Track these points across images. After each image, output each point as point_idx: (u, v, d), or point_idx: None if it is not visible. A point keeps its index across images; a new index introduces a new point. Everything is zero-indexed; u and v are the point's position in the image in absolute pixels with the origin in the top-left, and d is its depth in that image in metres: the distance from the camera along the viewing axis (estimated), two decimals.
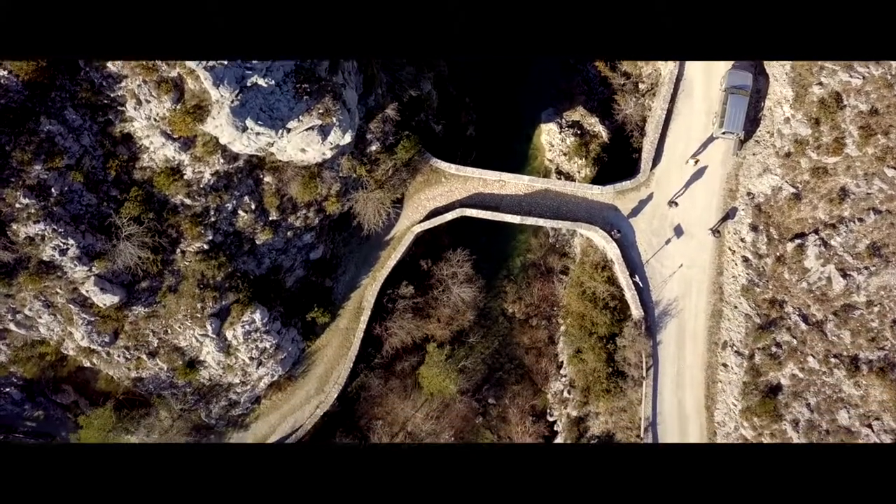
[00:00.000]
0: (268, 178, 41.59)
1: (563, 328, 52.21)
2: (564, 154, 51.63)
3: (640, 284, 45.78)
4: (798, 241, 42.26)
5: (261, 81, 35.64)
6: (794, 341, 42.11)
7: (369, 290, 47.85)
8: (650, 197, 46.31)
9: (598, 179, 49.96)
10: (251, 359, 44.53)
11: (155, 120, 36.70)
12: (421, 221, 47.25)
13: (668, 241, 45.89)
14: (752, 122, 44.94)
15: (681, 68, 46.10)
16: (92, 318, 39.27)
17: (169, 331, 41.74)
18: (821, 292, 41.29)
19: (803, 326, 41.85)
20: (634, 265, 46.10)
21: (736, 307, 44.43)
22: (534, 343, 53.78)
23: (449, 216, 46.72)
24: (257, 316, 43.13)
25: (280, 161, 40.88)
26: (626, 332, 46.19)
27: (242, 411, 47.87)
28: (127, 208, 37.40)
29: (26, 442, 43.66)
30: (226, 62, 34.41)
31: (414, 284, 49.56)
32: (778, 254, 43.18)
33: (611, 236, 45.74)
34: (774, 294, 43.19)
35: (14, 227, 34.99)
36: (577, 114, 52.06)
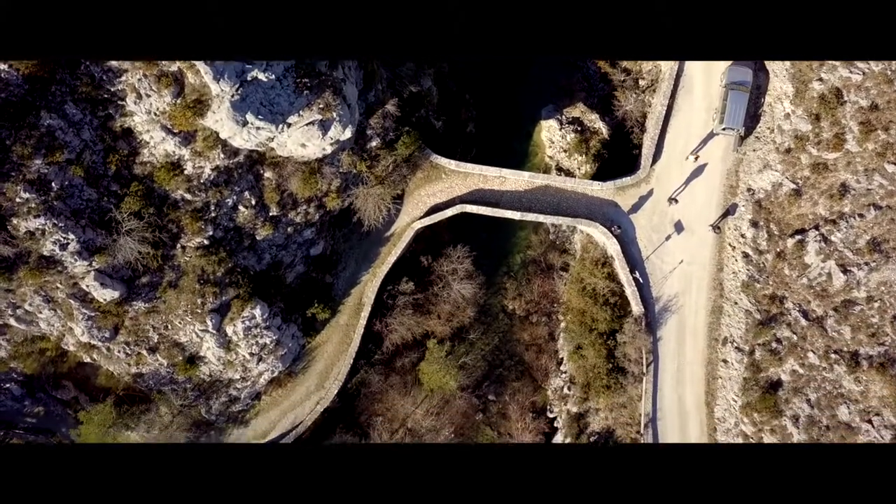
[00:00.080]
0: (268, 174, 41.61)
1: (563, 324, 52.21)
2: (564, 150, 51.63)
3: (641, 281, 45.78)
4: (798, 237, 42.26)
5: (261, 76, 35.72)
6: (795, 337, 42.11)
7: (369, 286, 47.87)
8: (650, 193, 46.32)
9: (599, 176, 49.95)
10: (251, 354, 44.51)
11: (155, 114, 36.72)
12: (421, 218, 47.27)
13: (668, 238, 45.90)
14: (753, 118, 44.95)
15: (681, 65, 46.15)
16: (92, 314, 39.29)
17: (169, 326, 41.74)
18: (821, 288, 41.29)
19: (803, 322, 41.86)
20: (635, 261, 46.12)
21: (736, 303, 44.44)
22: (534, 339, 53.78)
23: (449, 212, 46.76)
24: (257, 312, 43.13)
25: (280, 156, 40.91)
26: (626, 328, 46.23)
27: (242, 407, 47.84)
28: (127, 203, 37.44)
29: (26, 438, 43.65)
30: None
31: (414, 281, 49.61)
32: (778, 250, 43.19)
33: (611, 232, 45.74)
34: (775, 290, 43.19)
35: (14, 221, 35.01)
36: (578, 110, 52.09)
